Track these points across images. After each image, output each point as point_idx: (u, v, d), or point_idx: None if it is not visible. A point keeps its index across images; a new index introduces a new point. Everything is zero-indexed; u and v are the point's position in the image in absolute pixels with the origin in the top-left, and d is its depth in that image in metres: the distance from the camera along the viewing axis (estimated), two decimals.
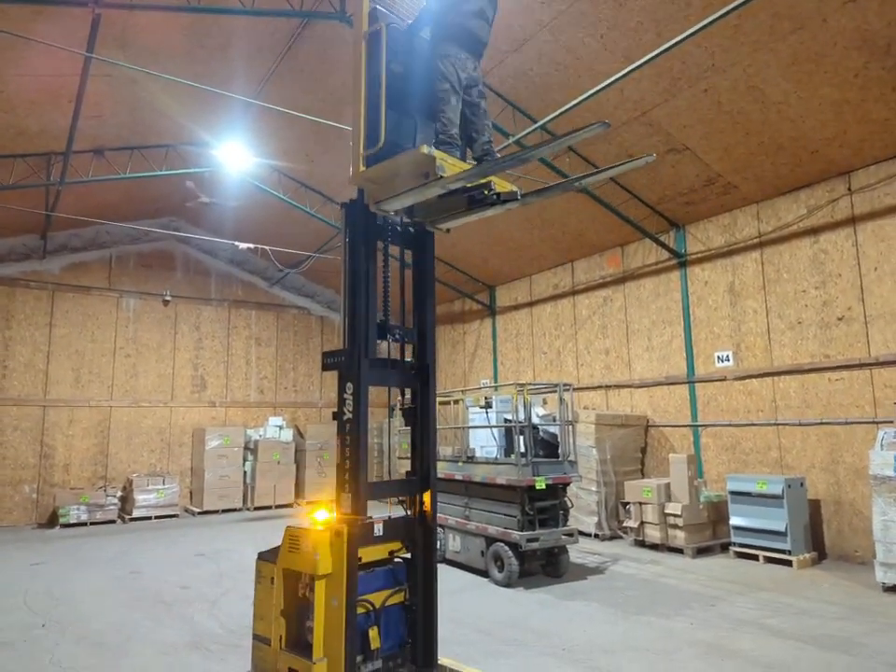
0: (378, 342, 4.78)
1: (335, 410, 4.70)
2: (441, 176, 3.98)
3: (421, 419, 4.96)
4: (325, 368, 4.87)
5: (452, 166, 4.10)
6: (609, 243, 11.64)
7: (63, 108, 8.37)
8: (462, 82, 4.48)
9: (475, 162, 4.63)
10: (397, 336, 4.95)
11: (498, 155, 4.62)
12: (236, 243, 12.94)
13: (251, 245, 12.97)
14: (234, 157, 10.51)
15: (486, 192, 4.27)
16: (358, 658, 4.26)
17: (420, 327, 5.10)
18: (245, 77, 8.68)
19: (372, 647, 4.37)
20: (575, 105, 7.30)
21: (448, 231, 5.00)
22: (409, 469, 5.08)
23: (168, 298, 14.52)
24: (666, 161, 8.97)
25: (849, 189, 8.38)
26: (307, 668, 4.11)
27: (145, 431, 14.11)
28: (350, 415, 4.54)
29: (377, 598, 4.53)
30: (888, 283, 7.94)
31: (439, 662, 4.60)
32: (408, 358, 5.14)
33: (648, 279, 11.12)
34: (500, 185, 4.33)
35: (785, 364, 8.97)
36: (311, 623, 4.26)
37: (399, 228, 5.16)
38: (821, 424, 8.49)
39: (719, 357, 9.88)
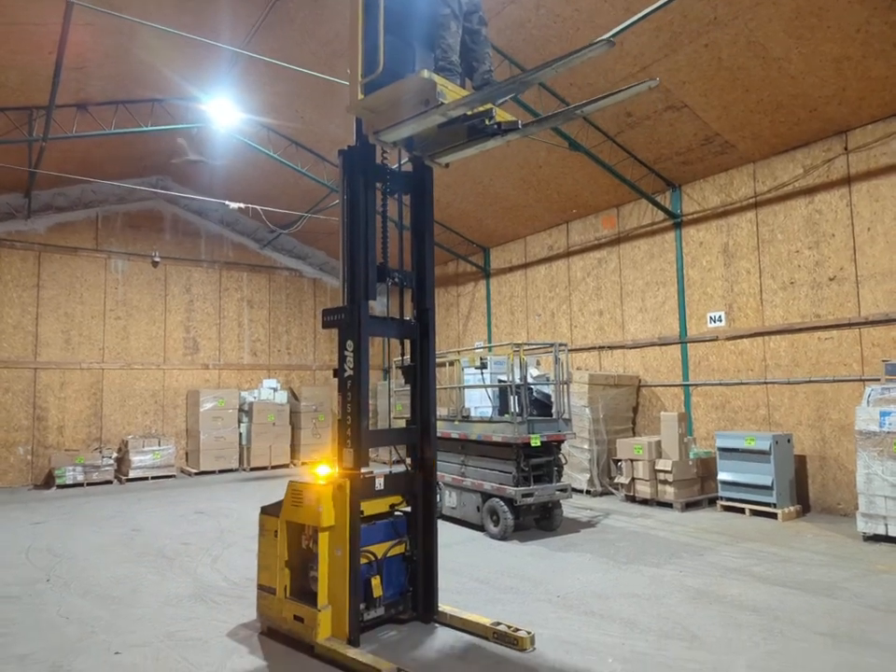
0: (378, 285, 4.76)
1: (335, 367, 4.74)
2: (442, 103, 3.90)
3: (421, 367, 5.01)
4: (325, 325, 4.88)
5: (452, 93, 4.02)
6: (604, 203, 11.58)
7: (45, 59, 8.09)
8: (463, 7, 4.38)
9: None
10: (396, 279, 4.92)
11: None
12: (226, 202, 12.74)
13: (241, 205, 12.78)
14: (223, 112, 10.26)
15: (487, 122, 4.21)
16: (362, 605, 4.40)
17: (419, 271, 5.08)
18: (233, 27, 8.40)
19: (375, 595, 4.51)
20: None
21: (447, 165, 4.92)
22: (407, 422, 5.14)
23: (157, 259, 14.36)
24: (664, 119, 8.86)
25: (846, 149, 8.35)
26: (312, 615, 4.24)
27: (138, 394, 14.11)
28: (351, 372, 4.58)
29: (379, 549, 4.65)
30: (880, 243, 7.99)
31: (439, 609, 4.76)
32: (406, 318, 5.16)
33: (643, 240, 11.12)
34: (501, 115, 4.27)
35: (776, 324, 9.08)
36: (315, 572, 4.38)
37: (397, 171, 5.11)
38: (809, 382, 8.66)
39: (711, 318, 9.97)
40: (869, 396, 7.02)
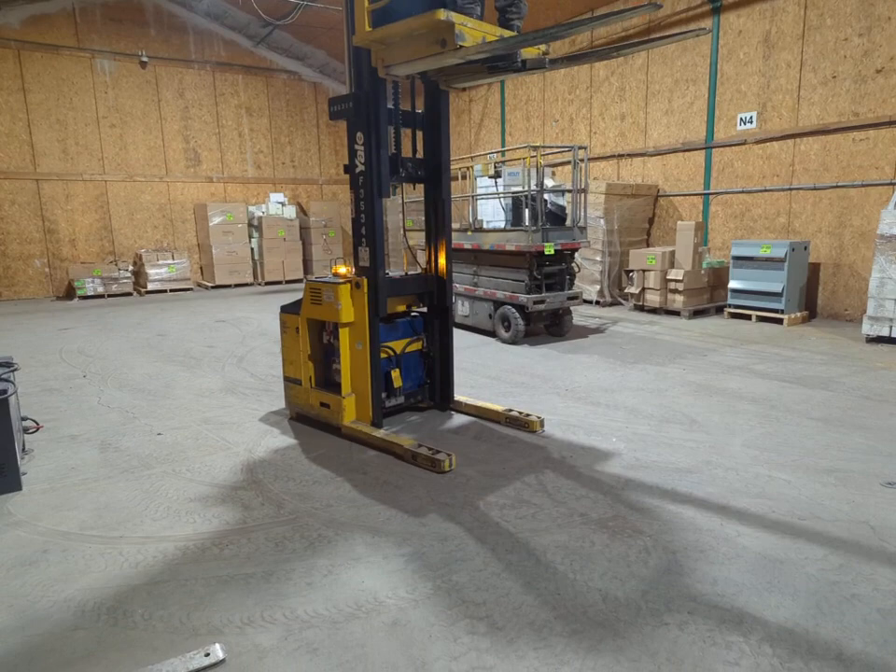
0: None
1: (346, 164, 4.54)
2: (461, 46, 3.47)
3: (436, 218, 4.83)
4: (332, 116, 4.57)
5: (472, 31, 3.55)
6: None
7: None
8: None
9: (497, 13, 4.00)
10: (410, 169, 4.66)
11: (526, 4, 4.00)
12: None
13: None
14: None
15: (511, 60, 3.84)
16: (383, 394, 4.68)
17: (435, 159, 4.70)
18: None
19: (395, 385, 4.77)
20: None
21: (465, 89, 4.46)
22: (419, 244, 5.03)
23: (145, 59, 13.27)
24: None
25: None
26: (338, 401, 4.53)
27: (145, 207, 13.92)
28: (362, 167, 4.38)
29: (397, 345, 4.83)
30: None
31: (455, 398, 5.07)
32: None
33: (675, 30, 9.99)
34: (527, 50, 3.86)
35: (811, 124, 8.47)
36: (337, 365, 4.60)
37: None
38: (836, 187, 8.31)
39: (741, 120, 9.30)
40: None
